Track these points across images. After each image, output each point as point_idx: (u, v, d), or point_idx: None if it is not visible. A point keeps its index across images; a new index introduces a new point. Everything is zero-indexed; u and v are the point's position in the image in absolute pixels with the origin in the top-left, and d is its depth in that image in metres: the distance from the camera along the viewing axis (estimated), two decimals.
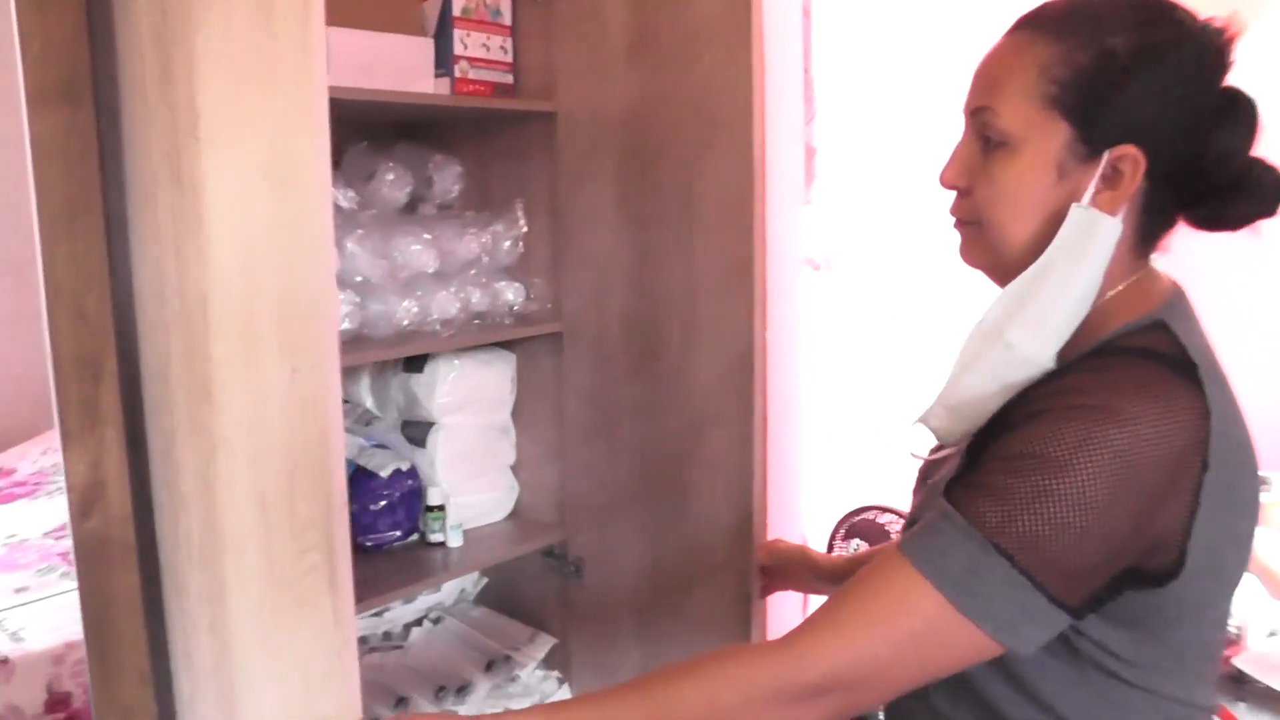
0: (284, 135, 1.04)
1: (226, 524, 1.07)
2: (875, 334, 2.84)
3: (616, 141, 1.72)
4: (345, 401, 2.02)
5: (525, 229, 1.85)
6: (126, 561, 1.22)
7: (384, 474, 1.78)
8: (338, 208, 1.74)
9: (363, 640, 1.94)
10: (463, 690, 1.84)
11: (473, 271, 1.79)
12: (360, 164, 1.83)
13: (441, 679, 1.86)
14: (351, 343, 1.61)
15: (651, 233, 1.69)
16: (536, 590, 2.04)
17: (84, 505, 1.20)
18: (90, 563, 1.21)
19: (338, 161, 1.86)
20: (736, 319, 1.58)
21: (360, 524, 1.79)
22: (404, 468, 1.81)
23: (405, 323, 1.65)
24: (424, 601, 2.03)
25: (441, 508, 1.83)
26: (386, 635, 1.99)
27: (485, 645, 1.92)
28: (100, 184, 1.13)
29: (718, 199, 1.58)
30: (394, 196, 1.82)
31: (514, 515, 2.01)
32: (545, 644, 1.97)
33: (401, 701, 1.78)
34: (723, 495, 1.64)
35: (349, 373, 1.98)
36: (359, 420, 1.96)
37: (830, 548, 2.70)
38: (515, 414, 1.99)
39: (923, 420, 1.07)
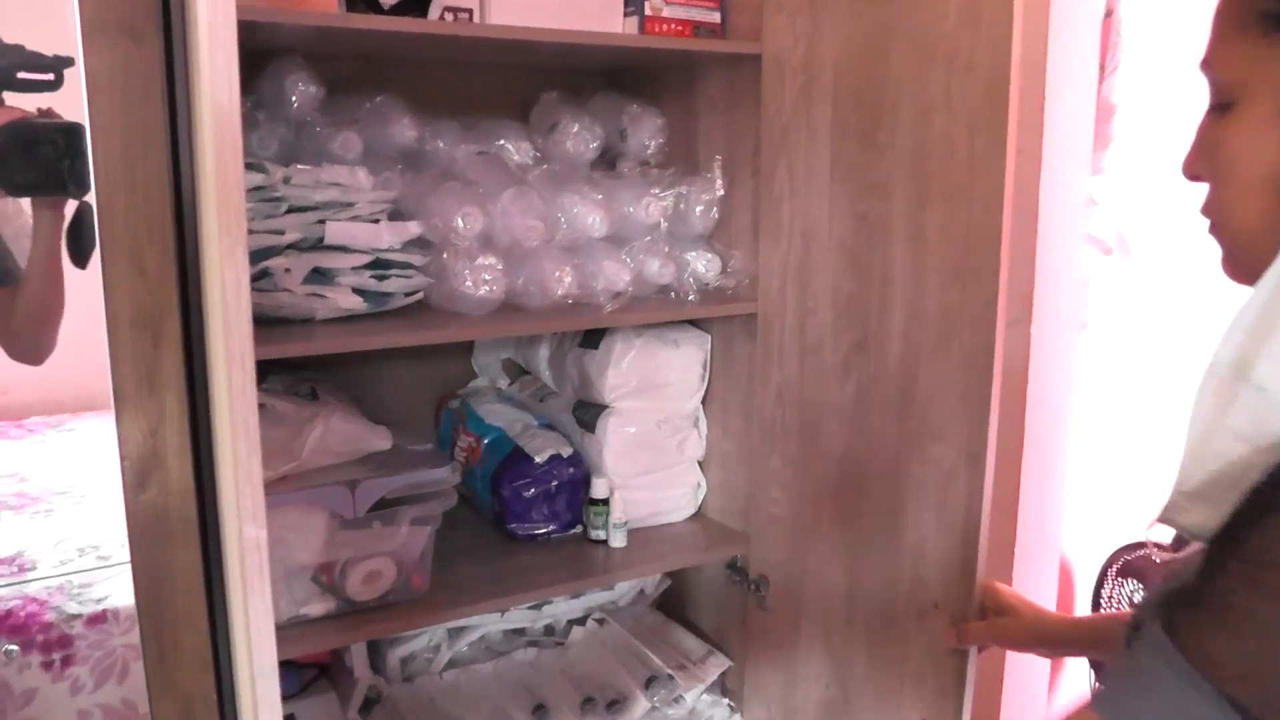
0: None
1: None
2: (1179, 332, 2.35)
3: (834, 89, 1.42)
4: (524, 373, 1.85)
5: (722, 191, 1.59)
6: (186, 538, 1.09)
7: (540, 459, 1.59)
8: (505, 162, 1.55)
9: (519, 633, 1.77)
10: (614, 705, 1.63)
11: (647, 239, 1.54)
12: (547, 115, 1.62)
13: (593, 688, 1.66)
14: (498, 312, 1.42)
15: (873, 200, 1.38)
16: (717, 604, 1.80)
17: (140, 475, 1.08)
18: (146, 539, 1.09)
19: (525, 112, 1.67)
20: (974, 310, 1.25)
21: (511, 511, 1.60)
22: (564, 453, 1.61)
23: (559, 292, 1.43)
24: (594, 597, 1.83)
25: (605, 502, 1.61)
26: (548, 630, 1.81)
27: (651, 657, 1.70)
28: (166, 126, 0.99)
29: (958, 160, 1.25)
30: (579, 151, 1.60)
31: (697, 518, 1.77)
32: (719, 665, 1.72)
33: (539, 709, 1.59)
34: (941, 523, 1.33)
35: (524, 343, 1.81)
36: (534, 394, 1.78)
37: (1099, 588, 2.28)
38: (708, 402, 1.74)
39: (1166, 519, 0.74)
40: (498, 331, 1.40)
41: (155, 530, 1.10)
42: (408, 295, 1.42)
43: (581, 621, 1.82)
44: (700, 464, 1.75)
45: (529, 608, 1.74)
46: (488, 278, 1.39)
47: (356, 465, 1.38)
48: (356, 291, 1.38)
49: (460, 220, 1.38)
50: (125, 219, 1.00)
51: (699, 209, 1.58)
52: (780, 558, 1.61)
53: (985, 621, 1.30)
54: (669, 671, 1.67)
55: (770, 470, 1.60)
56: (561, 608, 1.78)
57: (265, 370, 1.46)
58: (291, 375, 1.48)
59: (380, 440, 1.39)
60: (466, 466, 1.68)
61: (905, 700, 1.41)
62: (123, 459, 1.07)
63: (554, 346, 1.74)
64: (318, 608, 1.36)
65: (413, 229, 1.41)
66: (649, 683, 1.67)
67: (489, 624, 1.70)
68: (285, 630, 1.34)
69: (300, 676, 1.64)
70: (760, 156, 1.55)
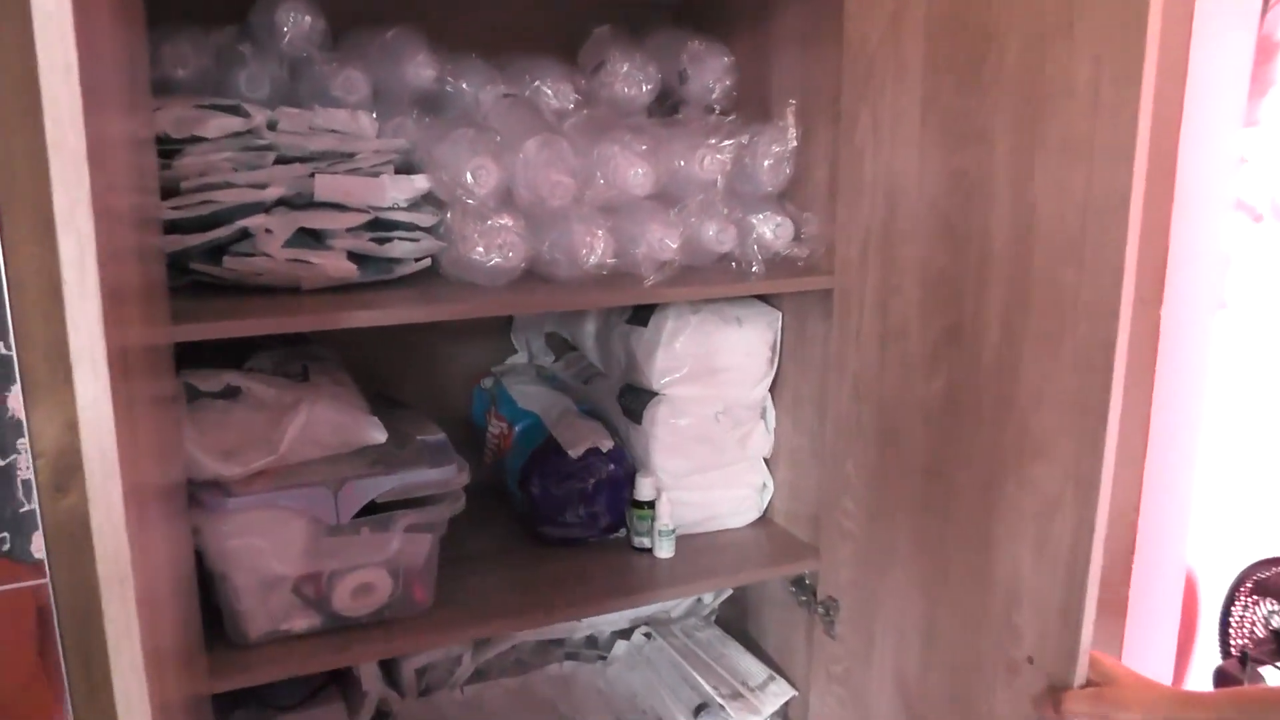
0: None
1: None
2: None
3: (927, 16, 1.15)
4: (572, 349, 1.63)
5: (795, 142, 1.33)
6: None
7: (574, 453, 1.37)
8: (537, 106, 1.32)
9: (558, 643, 1.58)
10: None
11: (702, 198, 1.30)
12: (596, 53, 1.39)
13: (633, 713, 1.45)
14: (519, 283, 1.21)
15: (971, 151, 1.11)
16: (783, 622, 1.56)
17: (59, 476, 0.91)
18: (68, 549, 0.92)
19: (572, 51, 1.43)
20: (1093, 295, 0.98)
21: (541, 511, 1.40)
22: (604, 448, 1.39)
23: (590, 261, 1.21)
24: (643, 608, 1.62)
25: (651, 505, 1.39)
26: (590, 641, 1.61)
27: (702, 681, 1.48)
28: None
29: (1079, 103, 0.98)
30: (629, 95, 1.37)
31: (762, 524, 1.53)
32: (781, 695, 1.49)
33: None
34: (1040, 561, 1.07)
35: (570, 316, 1.59)
36: (578, 375, 1.57)
37: (1228, 608, 1.95)
38: (777, 391, 1.50)
39: None
40: (514, 307, 1.19)
41: (79, 539, 0.93)
42: (416, 261, 1.22)
43: (627, 634, 1.61)
44: (767, 461, 1.52)
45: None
46: (501, 242, 1.17)
47: (347, 461, 1.18)
48: (354, 257, 1.18)
49: (470, 174, 1.17)
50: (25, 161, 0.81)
51: (767, 163, 1.33)
52: (851, 579, 1.37)
53: (1091, 690, 1.04)
54: (720, 701, 1.44)
55: (843, 477, 1.36)
56: (605, 617, 1.57)
57: (255, 345, 1.28)
58: (287, 350, 1.30)
59: (372, 432, 1.19)
60: (497, 456, 1.48)
61: None
62: (36, 457, 0.90)
63: (601, 321, 1.52)
64: (301, 623, 1.18)
65: (419, 184, 1.20)
66: (698, 710, 1.45)
67: (520, 634, 1.51)
68: (262, 649, 1.17)
69: (308, 683, 1.48)
70: (841, 101, 1.28)
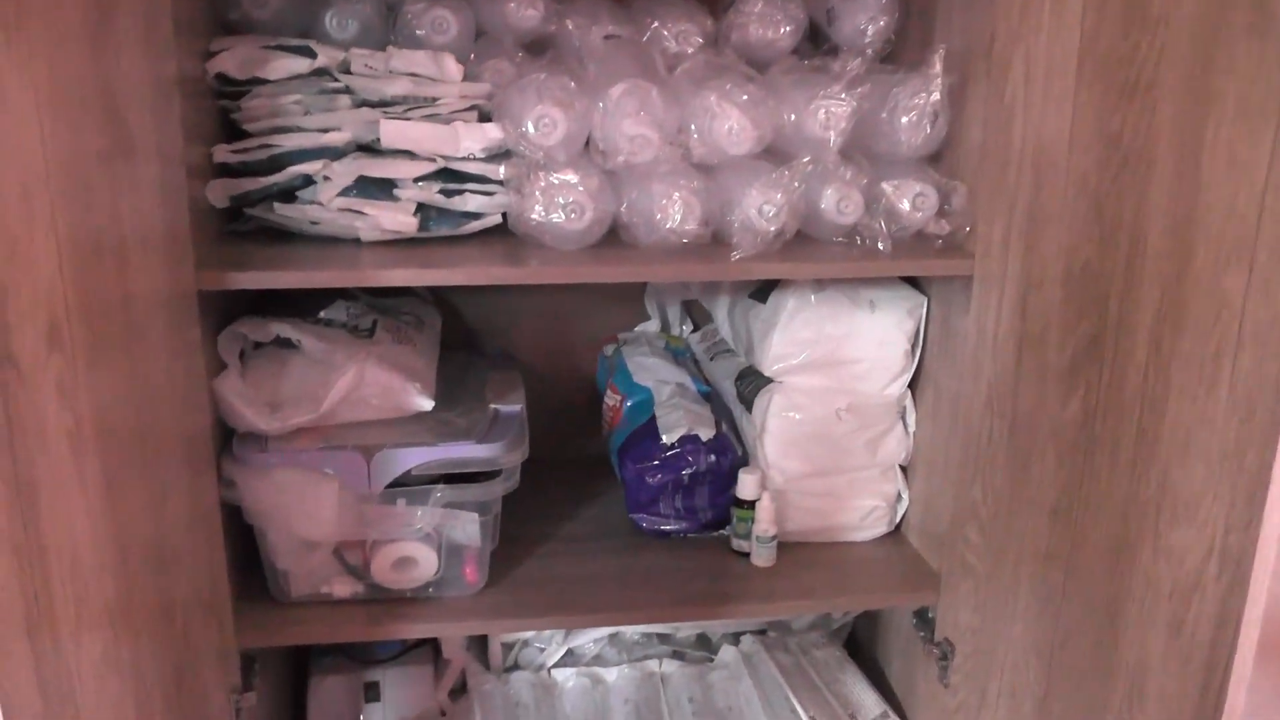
0: None
1: None
2: None
3: None
4: (711, 323, 1.48)
5: (937, 95, 1.10)
6: None
7: (668, 438, 1.23)
8: (641, 48, 1.17)
9: (664, 638, 1.44)
10: None
11: (821, 160, 1.10)
12: None
13: None
14: (596, 250, 1.08)
15: (1131, 110, 0.85)
16: (907, 657, 1.35)
17: None
18: None
19: None
20: (1266, 310, 0.72)
21: (633, 497, 1.27)
22: (704, 436, 1.23)
23: (667, 226, 1.05)
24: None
25: (752, 505, 1.23)
26: (701, 640, 1.46)
27: (799, 708, 1.30)
28: None
29: (1272, 50, 0.71)
30: (764, 36, 1.19)
31: (893, 541, 1.32)
32: None
33: None
34: (1172, 650, 0.82)
35: (709, 284, 1.43)
36: (709, 350, 1.41)
37: None
38: (918, 390, 1.27)
39: None
40: (580, 274, 1.06)
41: None
42: (488, 217, 1.12)
43: (737, 639, 1.45)
44: (905, 470, 1.30)
45: None
46: (566, 201, 1.04)
47: (399, 427, 1.11)
48: (424, 209, 1.10)
49: (531, 124, 1.05)
50: None
51: (905, 119, 1.11)
52: (969, 624, 1.14)
53: None
54: None
55: (969, 501, 1.13)
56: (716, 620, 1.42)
57: (331, 291, 1.22)
58: (371, 302, 1.24)
59: (416, 399, 1.11)
60: (608, 430, 1.37)
61: None
62: None
63: (731, 295, 1.35)
64: (343, 589, 1.13)
65: (493, 133, 1.09)
66: None
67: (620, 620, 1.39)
68: (302, 609, 1.14)
69: (403, 640, 1.44)
70: (994, 45, 1.04)
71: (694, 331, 1.50)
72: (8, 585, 0.63)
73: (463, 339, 1.47)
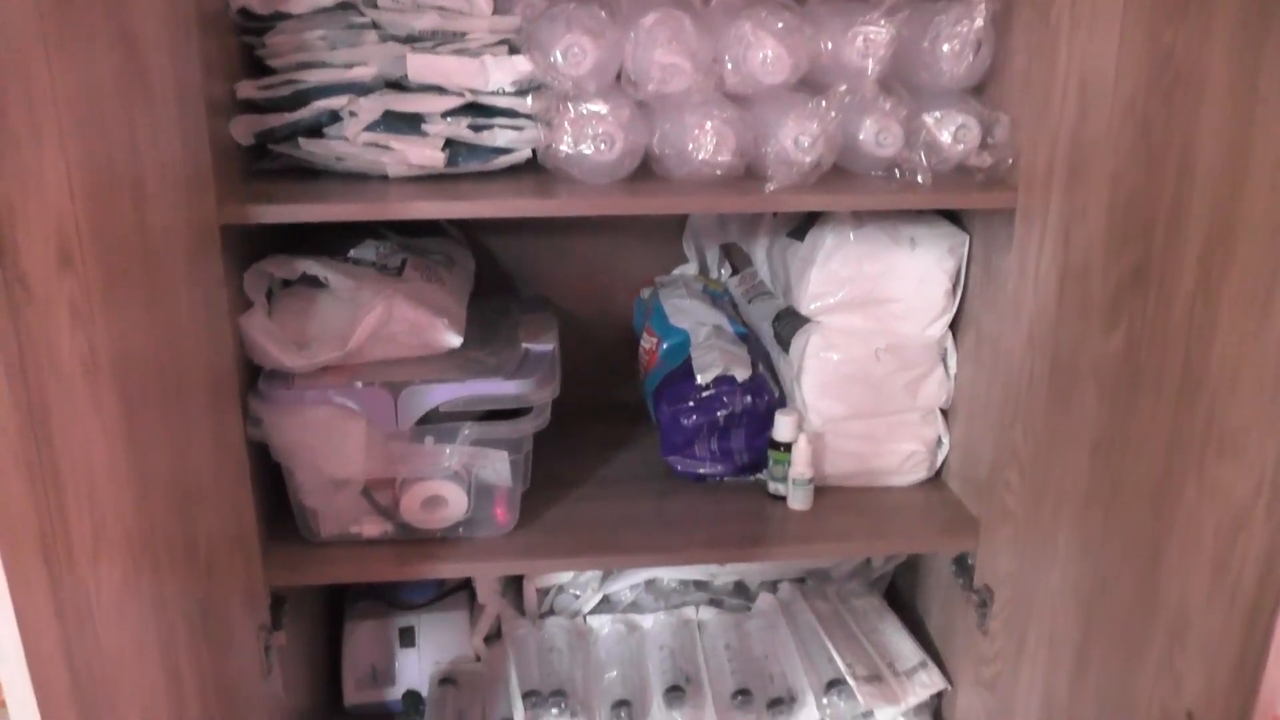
0: None
1: None
2: None
3: None
4: (750, 266, 1.45)
5: (981, 21, 1.05)
6: None
7: (702, 379, 1.21)
8: None
9: (701, 585, 1.42)
10: (776, 706, 1.25)
11: (859, 90, 1.06)
12: None
13: (758, 678, 1.28)
14: (629, 183, 1.05)
15: (1184, 26, 0.81)
16: (947, 605, 1.32)
17: None
18: None
19: None
20: None
21: (668, 439, 1.25)
22: (739, 377, 1.21)
23: (700, 157, 1.02)
24: (796, 560, 1.42)
25: (788, 448, 1.20)
26: (739, 588, 1.44)
27: (837, 655, 1.28)
28: None
29: None
30: None
31: (933, 486, 1.28)
32: (932, 685, 1.26)
33: (674, 691, 1.25)
34: (1215, 591, 0.79)
35: (746, 225, 1.40)
36: (747, 292, 1.38)
37: None
38: (959, 331, 1.24)
39: None
40: (610, 206, 1.03)
41: None
42: (517, 152, 1.10)
43: (774, 587, 1.43)
44: (945, 414, 1.26)
45: None
46: (596, 133, 1.02)
47: (428, 365, 1.10)
48: (452, 144, 1.08)
49: (560, 54, 1.02)
50: None
51: (947, 48, 1.07)
52: (1008, 570, 1.11)
53: None
54: (853, 682, 1.24)
55: (1009, 443, 1.09)
56: (754, 565, 1.40)
57: (361, 231, 1.21)
58: (402, 241, 1.22)
59: (446, 335, 1.10)
60: (644, 373, 1.35)
61: None
62: None
63: (770, 234, 1.32)
64: (372, 529, 1.13)
65: (521, 66, 1.07)
66: (830, 686, 1.26)
67: (657, 568, 1.38)
68: (331, 549, 1.14)
69: (439, 585, 1.44)
70: None
71: (732, 275, 1.47)
72: (21, 506, 0.63)
73: (497, 284, 1.46)
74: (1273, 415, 0.73)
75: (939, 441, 1.26)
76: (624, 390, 1.44)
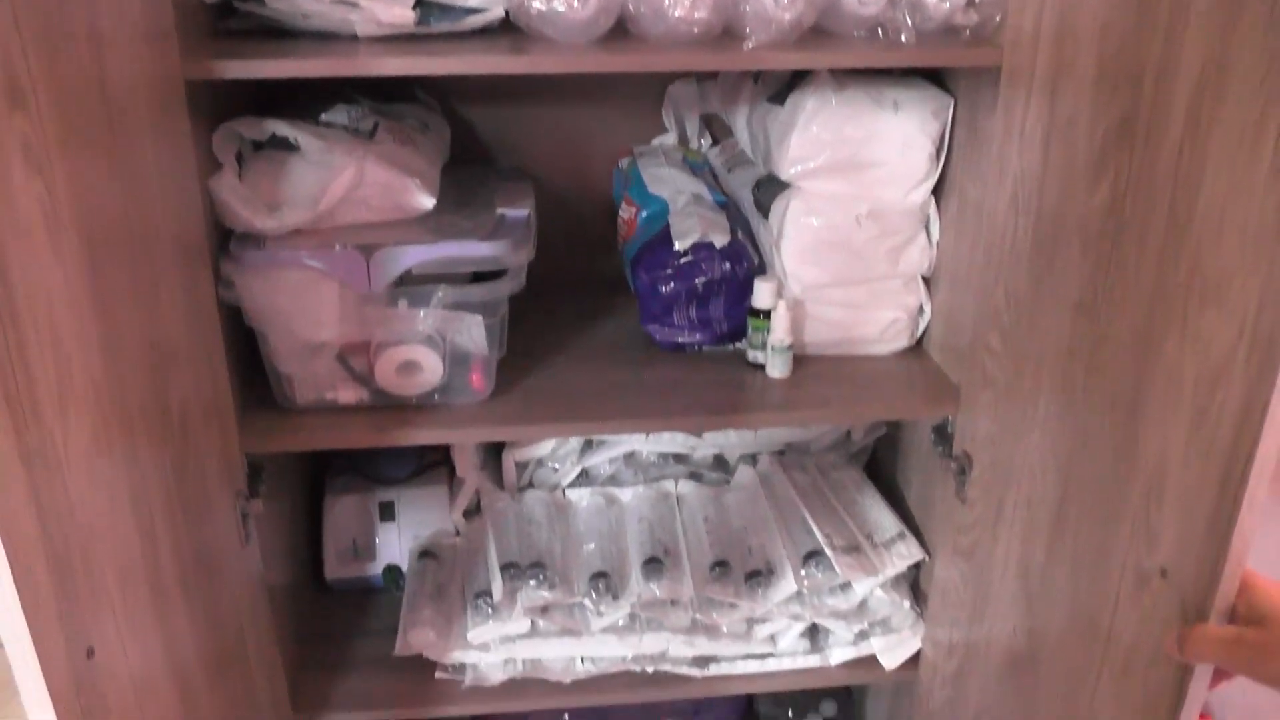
0: None
1: None
2: None
3: None
4: (731, 136, 1.42)
5: None
6: None
7: (680, 245, 1.19)
8: None
9: (680, 459, 1.43)
10: (754, 579, 1.26)
11: None
12: None
13: (736, 550, 1.29)
14: (603, 43, 1.02)
15: None
16: (926, 476, 1.33)
17: None
18: None
19: None
20: None
21: (646, 307, 1.24)
22: (718, 243, 1.19)
23: (676, 14, 0.99)
24: (778, 432, 1.42)
25: (767, 315, 1.19)
26: (718, 462, 1.44)
27: (815, 526, 1.29)
28: None
29: None
30: None
31: (911, 355, 1.28)
32: (909, 556, 1.27)
33: (652, 563, 1.26)
34: (1194, 443, 0.78)
35: (727, 93, 1.36)
36: (727, 162, 1.36)
37: None
38: (942, 197, 1.22)
39: None
40: (583, 64, 0.99)
41: None
42: (490, 12, 1.06)
43: (754, 459, 1.43)
44: (927, 282, 1.25)
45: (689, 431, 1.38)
46: None
47: (401, 229, 1.08)
48: (421, 4, 1.04)
49: None
50: None
51: None
52: (988, 435, 1.11)
53: (1230, 632, 0.77)
54: (830, 552, 1.25)
55: (992, 306, 1.08)
56: (733, 438, 1.40)
57: (332, 95, 1.18)
58: (373, 107, 1.19)
59: (419, 196, 1.07)
60: (623, 243, 1.33)
61: (1101, 697, 0.91)
62: None
63: (749, 101, 1.29)
64: (348, 395, 1.12)
65: None
66: (808, 558, 1.27)
67: (635, 440, 1.38)
68: (307, 416, 1.13)
69: (419, 461, 1.44)
70: None
71: (713, 146, 1.44)
72: None
73: (474, 157, 1.43)
74: (1256, 260, 0.72)
75: (920, 309, 1.25)
76: (603, 263, 1.43)
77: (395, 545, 1.41)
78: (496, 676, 1.29)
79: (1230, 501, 0.76)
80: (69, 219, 0.73)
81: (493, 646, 1.27)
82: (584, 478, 1.41)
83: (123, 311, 0.82)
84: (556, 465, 1.39)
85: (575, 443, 1.38)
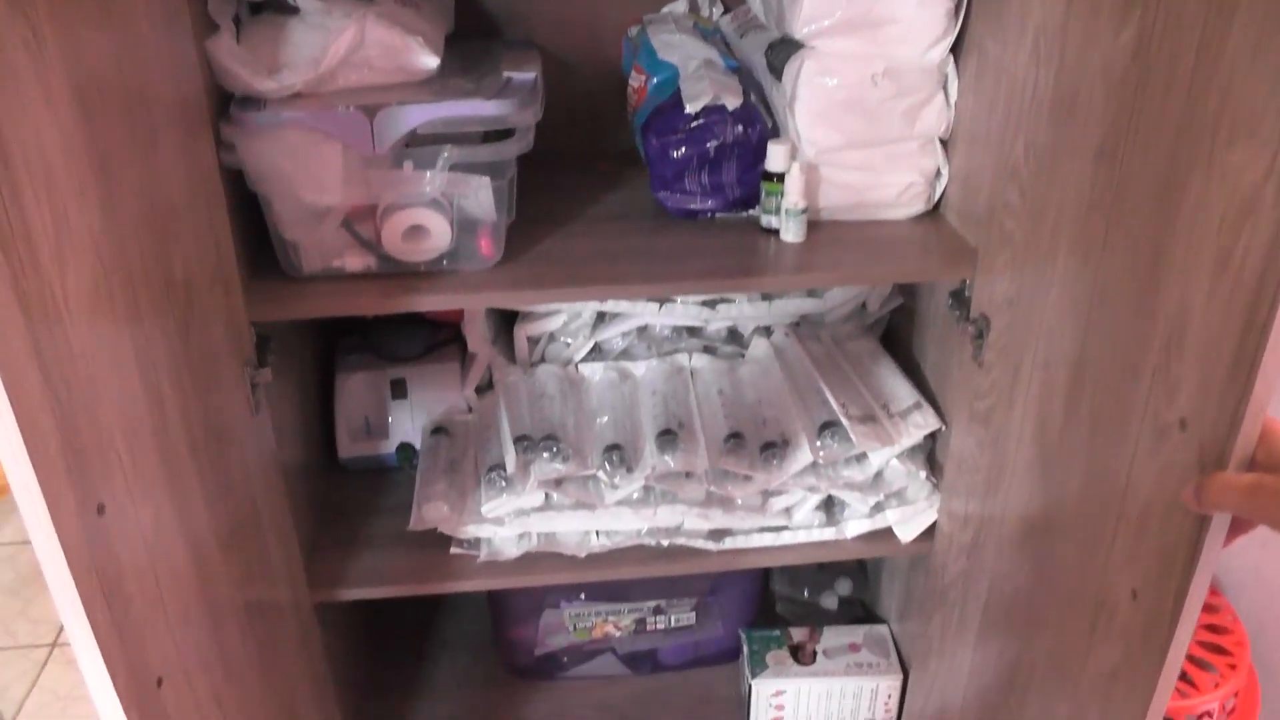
0: None
1: None
2: None
3: None
4: (743, 3, 1.37)
5: None
6: None
7: (691, 107, 1.16)
8: None
9: (694, 332, 1.41)
10: (769, 450, 1.25)
11: None
12: None
13: (751, 422, 1.29)
14: None
15: None
16: (943, 344, 1.31)
17: None
18: None
19: None
20: None
21: (657, 173, 1.21)
22: (730, 105, 1.16)
23: None
24: (792, 303, 1.39)
25: (781, 178, 1.16)
26: (732, 335, 1.43)
27: (830, 396, 1.28)
28: None
29: None
30: None
31: (929, 220, 1.25)
32: (926, 426, 1.26)
33: (666, 435, 1.25)
34: (1217, 287, 0.76)
35: None
36: (739, 28, 1.32)
37: None
38: (961, 56, 1.18)
39: None
40: None
41: None
42: None
43: (768, 331, 1.42)
44: (945, 144, 1.22)
45: (702, 304, 1.36)
46: None
47: (404, 90, 1.06)
48: None
49: None
50: None
51: None
52: (1006, 295, 1.09)
53: (1250, 479, 0.75)
54: (845, 421, 1.24)
55: (1010, 162, 1.05)
56: (747, 310, 1.38)
57: None
58: None
59: (422, 57, 1.05)
60: (633, 111, 1.30)
61: (1116, 556, 0.91)
62: None
63: None
64: (355, 262, 1.10)
65: None
66: (824, 428, 1.26)
67: (648, 314, 1.36)
68: (316, 283, 1.11)
69: (431, 338, 1.43)
70: None
71: (724, 13, 1.40)
72: None
73: (481, 30, 1.39)
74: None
75: (938, 173, 1.22)
76: (613, 136, 1.40)
77: (408, 423, 1.41)
78: (511, 551, 1.29)
79: (1253, 345, 0.73)
80: (57, 63, 0.71)
81: (507, 520, 1.27)
82: (596, 352, 1.40)
83: (120, 168, 0.80)
84: (569, 340, 1.38)
85: (587, 317, 1.36)
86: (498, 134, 1.07)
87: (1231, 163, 0.74)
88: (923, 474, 1.28)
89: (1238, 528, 0.80)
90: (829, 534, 1.31)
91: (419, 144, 1.04)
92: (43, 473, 0.67)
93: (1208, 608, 1.54)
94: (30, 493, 0.67)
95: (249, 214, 1.09)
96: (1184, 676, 1.43)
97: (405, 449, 1.41)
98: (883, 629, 1.57)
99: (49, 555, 0.70)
